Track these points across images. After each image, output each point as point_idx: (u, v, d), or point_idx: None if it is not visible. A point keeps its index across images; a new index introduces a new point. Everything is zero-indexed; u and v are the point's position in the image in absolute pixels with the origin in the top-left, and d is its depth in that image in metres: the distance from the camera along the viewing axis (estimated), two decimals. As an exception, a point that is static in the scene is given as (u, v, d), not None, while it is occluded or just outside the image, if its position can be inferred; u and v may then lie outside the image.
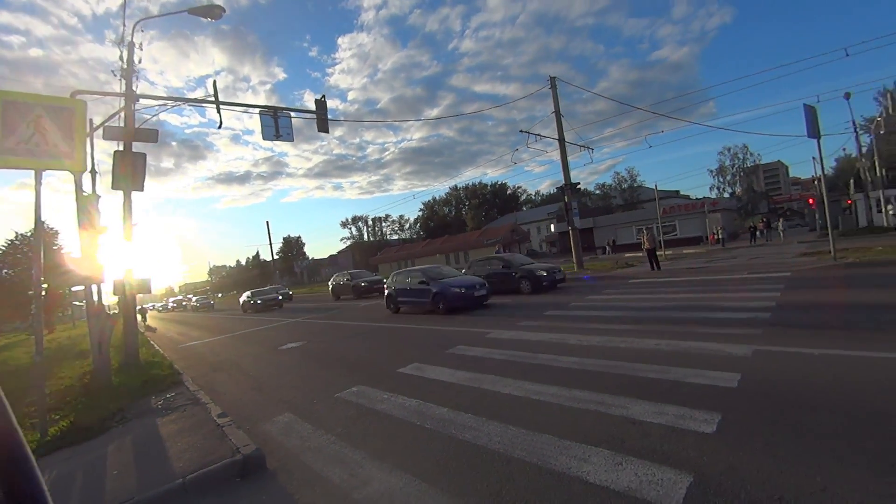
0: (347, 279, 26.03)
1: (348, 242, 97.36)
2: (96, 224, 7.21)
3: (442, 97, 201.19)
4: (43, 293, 5.62)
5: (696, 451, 3.02)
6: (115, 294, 9.16)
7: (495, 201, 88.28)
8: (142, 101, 9.92)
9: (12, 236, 22.01)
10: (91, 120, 9.12)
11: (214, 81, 10.59)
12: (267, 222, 73.98)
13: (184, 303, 53.39)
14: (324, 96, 12.68)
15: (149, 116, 10.37)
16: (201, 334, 17.32)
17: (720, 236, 28.94)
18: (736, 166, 61.57)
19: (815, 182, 26.39)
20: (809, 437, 3.01)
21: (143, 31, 9.82)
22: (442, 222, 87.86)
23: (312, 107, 12.66)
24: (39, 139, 4.72)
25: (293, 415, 5.14)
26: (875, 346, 4.74)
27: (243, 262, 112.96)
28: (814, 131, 12.84)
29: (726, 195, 59.28)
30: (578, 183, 21.46)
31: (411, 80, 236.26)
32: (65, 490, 3.78)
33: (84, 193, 7.62)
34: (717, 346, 5.47)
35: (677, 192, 61.48)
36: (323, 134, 13.10)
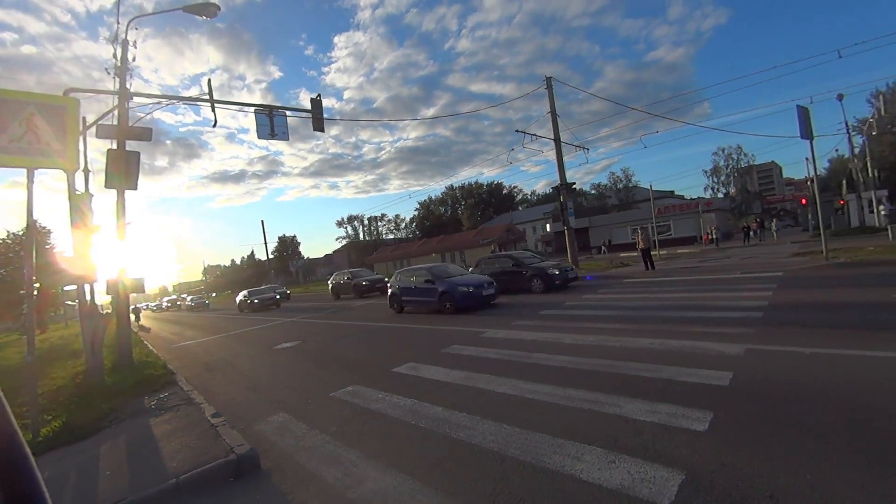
0: (348, 278, 25.61)
1: (344, 242, 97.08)
2: (89, 223, 7.16)
3: (438, 97, 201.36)
4: (35, 293, 5.57)
5: (688, 449, 3.04)
6: (108, 293, 9.08)
7: (491, 201, 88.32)
8: (136, 99, 9.84)
9: (4, 235, 21.81)
10: (84, 118, 9.05)
11: (209, 80, 10.54)
12: (262, 221, 73.15)
13: (178, 302, 53.03)
14: (319, 95, 12.64)
15: (143, 114, 10.32)
16: (195, 334, 17.23)
17: (714, 236, 29.17)
18: (730, 167, 62.03)
19: (808, 182, 26.63)
20: (800, 435, 3.04)
21: (137, 28, 9.75)
22: (438, 222, 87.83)
23: (308, 105, 12.61)
24: (32, 137, 4.69)
25: (288, 414, 5.13)
26: (866, 344, 4.80)
27: (238, 262, 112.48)
28: (806, 132, 12.96)
29: (720, 195, 59.69)
30: (574, 183, 21.55)
31: (407, 79, 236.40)
32: (57, 490, 3.75)
33: (77, 192, 7.56)
34: (709, 344, 5.52)
35: (672, 192, 61.79)
36: (318, 133, 13.05)
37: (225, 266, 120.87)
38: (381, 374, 6.36)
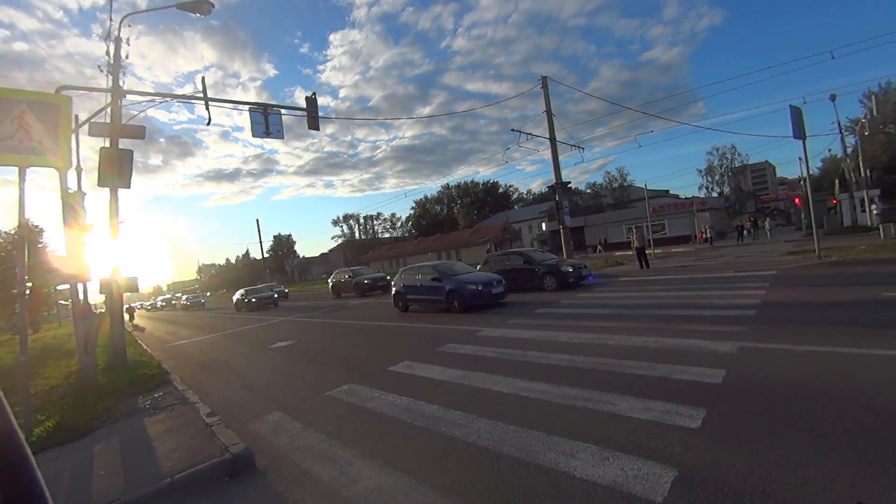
0: (349, 276, 25.01)
1: (339, 241, 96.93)
2: (82, 222, 7.11)
3: (434, 95, 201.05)
4: (27, 292, 5.53)
5: (681, 445, 3.07)
6: (101, 293, 9.03)
7: (487, 200, 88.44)
8: (129, 96, 9.76)
9: (-5, 234, 21.60)
10: (76, 116, 8.98)
11: (203, 78, 10.47)
12: (257, 220, 73.67)
13: (173, 301, 52.70)
14: (314, 93, 12.59)
15: (136, 112, 10.23)
16: (190, 333, 17.15)
17: (708, 235, 29.32)
18: (724, 166, 62.36)
19: (801, 182, 26.83)
20: (792, 431, 3.08)
21: (130, 25, 9.67)
22: (434, 221, 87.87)
23: (303, 104, 12.57)
24: (23, 135, 4.64)
25: (283, 413, 5.12)
26: (858, 342, 4.86)
27: (233, 261, 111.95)
28: (799, 132, 13.07)
29: (715, 195, 60.01)
30: (569, 182, 21.63)
31: (403, 77, 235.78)
32: (51, 491, 3.64)
33: (69, 190, 7.50)
34: (703, 342, 5.56)
35: (667, 191, 62.21)
36: (314, 131, 12.99)
37: (220, 265, 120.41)
38: (376, 372, 6.37)
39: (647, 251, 18.82)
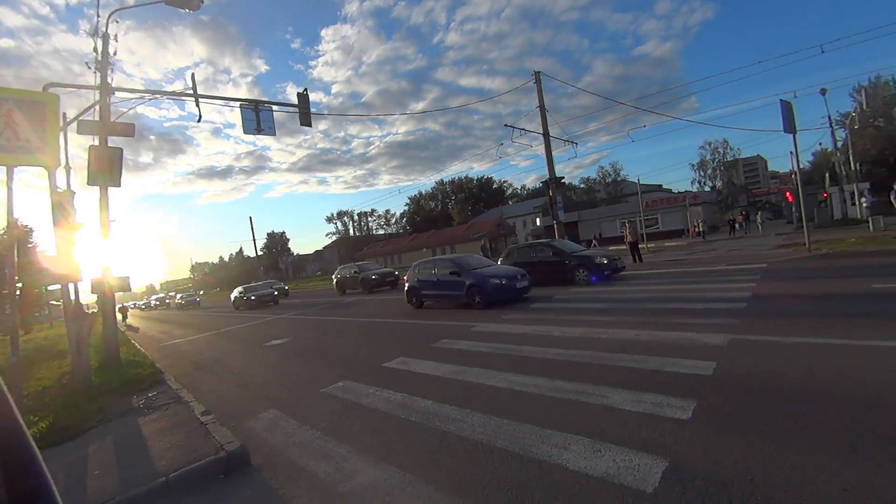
0: (355, 272, 23.76)
1: (334, 238, 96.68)
2: (72, 221, 7.04)
3: (427, 91, 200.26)
4: (17, 292, 5.49)
5: (671, 437, 3.12)
6: (93, 293, 8.96)
7: (481, 195, 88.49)
8: (118, 94, 9.66)
9: (-17, 234, 21.32)
10: (65, 114, 8.87)
11: (193, 74, 10.38)
12: (250, 218, 72.16)
13: (167, 300, 52.28)
14: (306, 90, 12.52)
15: (125, 110, 10.19)
16: (184, 332, 17.06)
17: (701, 229, 29.57)
18: (716, 160, 62.84)
19: (792, 176, 27.10)
20: (780, 422, 3.13)
21: (118, 21, 9.56)
22: (428, 217, 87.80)
23: (295, 100, 12.50)
24: (10, 134, 4.60)
25: (278, 411, 5.13)
26: (846, 334, 4.94)
27: (226, 259, 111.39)
28: (789, 126, 13.18)
29: (707, 189, 60.44)
30: (563, 177, 21.64)
31: (396, 73, 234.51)
32: None
33: (59, 189, 7.43)
34: (694, 335, 5.62)
35: (660, 185, 62.50)
36: (306, 128, 12.91)
37: (213, 263, 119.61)
38: (371, 369, 6.38)
39: (640, 245, 18.95)
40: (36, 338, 21.31)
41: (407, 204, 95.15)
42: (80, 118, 9.12)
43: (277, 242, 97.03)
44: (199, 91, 10.47)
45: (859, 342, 4.58)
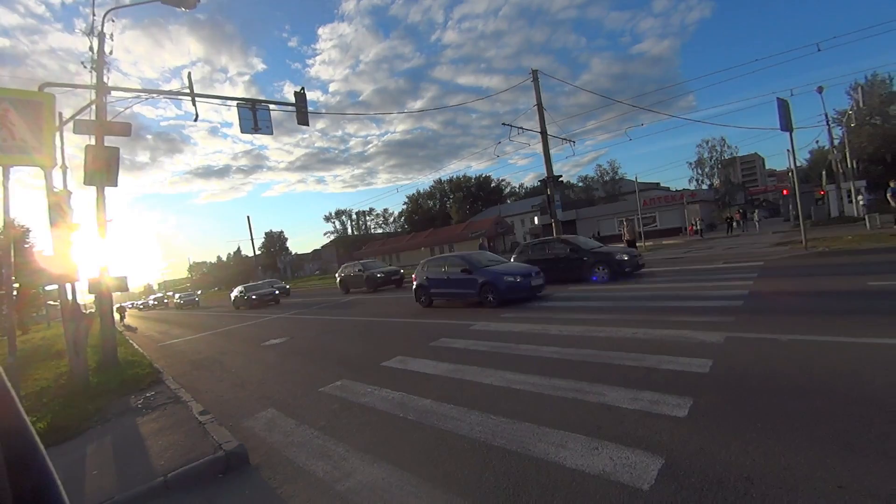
0: (359, 270, 23.33)
1: (332, 237, 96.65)
2: (69, 221, 7.04)
3: (425, 89, 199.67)
4: (14, 293, 5.48)
5: (668, 434, 3.14)
6: (90, 293, 8.94)
7: (480, 194, 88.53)
8: (114, 93, 9.62)
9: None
10: (61, 113, 8.84)
11: (189, 73, 10.38)
12: (248, 217, 72.30)
13: (165, 300, 52.16)
14: (303, 88, 12.48)
15: (122, 109, 10.09)
16: (183, 332, 17.04)
17: (698, 227, 29.65)
18: (714, 158, 62.96)
19: (789, 174, 27.17)
20: (776, 419, 3.15)
21: (114, 20, 9.50)
22: (426, 216, 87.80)
23: (293, 99, 12.47)
24: (6, 134, 4.58)
25: (276, 410, 5.13)
26: (842, 331, 4.96)
27: (224, 259, 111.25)
28: (786, 124, 13.22)
29: (704, 187, 60.56)
30: (560, 175, 21.75)
31: (394, 71, 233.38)
32: None
33: (55, 189, 7.41)
34: (691, 333, 5.64)
35: (657, 184, 62.61)
36: (304, 127, 12.88)
37: (211, 263, 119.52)
38: (370, 368, 6.39)
39: (638, 244, 19.00)
40: (33, 338, 21.25)
41: (405, 203, 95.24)
42: (77, 118, 9.09)
43: (275, 242, 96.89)
44: (196, 90, 10.44)
45: (855, 339, 4.61)
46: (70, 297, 7.85)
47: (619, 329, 6.42)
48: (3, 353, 7.03)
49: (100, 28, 9.15)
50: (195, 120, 10.68)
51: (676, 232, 35.34)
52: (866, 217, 18.79)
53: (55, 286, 8.58)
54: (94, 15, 9.14)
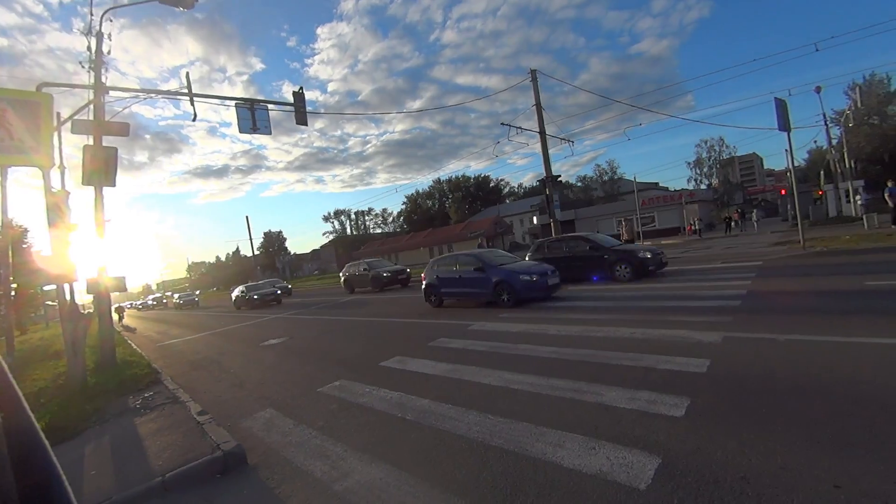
0: (365, 269, 22.78)
1: (331, 237, 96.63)
2: (67, 221, 7.02)
3: (424, 89, 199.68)
4: (13, 293, 5.47)
5: (665, 434, 3.14)
6: (89, 293, 8.92)
7: (478, 194, 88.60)
8: (112, 93, 9.60)
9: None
10: (59, 113, 8.82)
11: (188, 73, 10.34)
12: (247, 217, 72.45)
13: (163, 300, 52.05)
14: (301, 88, 12.47)
15: (120, 109, 10.07)
16: (181, 332, 17.03)
17: (697, 227, 29.68)
18: (712, 158, 63.12)
19: (787, 174, 27.22)
20: (772, 419, 3.16)
21: (112, 20, 9.48)
22: (425, 215, 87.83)
23: (291, 98, 12.46)
24: (4, 134, 4.58)
25: (275, 410, 5.13)
26: (840, 331, 4.98)
27: (223, 259, 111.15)
28: (784, 124, 13.24)
29: (703, 187, 60.69)
30: (559, 175, 21.71)
31: (393, 71, 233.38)
32: None
33: (53, 189, 7.39)
34: (688, 333, 5.66)
35: (656, 183, 62.74)
36: (303, 126, 12.87)
37: (210, 263, 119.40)
38: (368, 368, 6.39)
39: (636, 243, 19.01)
40: (31, 338, 21.21)
41: (404, 203, 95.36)
42: (75, 117, 9.07)
43: (274, 242, 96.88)
44: (195, 90, 10.43)
45: (853, 339, 4.62)
46: (68, 297, 7.83)
47: (617, 329, 6.43)
48: (1, 352, 7.01)
49: (98, 27, 9.14)
50: (193, 120, 10.67)
51: (675, 232, 35.36)
52: (864, 217, 18.82)
53: (53, 286, 8.56)
54: (92, 14, 9.13)
